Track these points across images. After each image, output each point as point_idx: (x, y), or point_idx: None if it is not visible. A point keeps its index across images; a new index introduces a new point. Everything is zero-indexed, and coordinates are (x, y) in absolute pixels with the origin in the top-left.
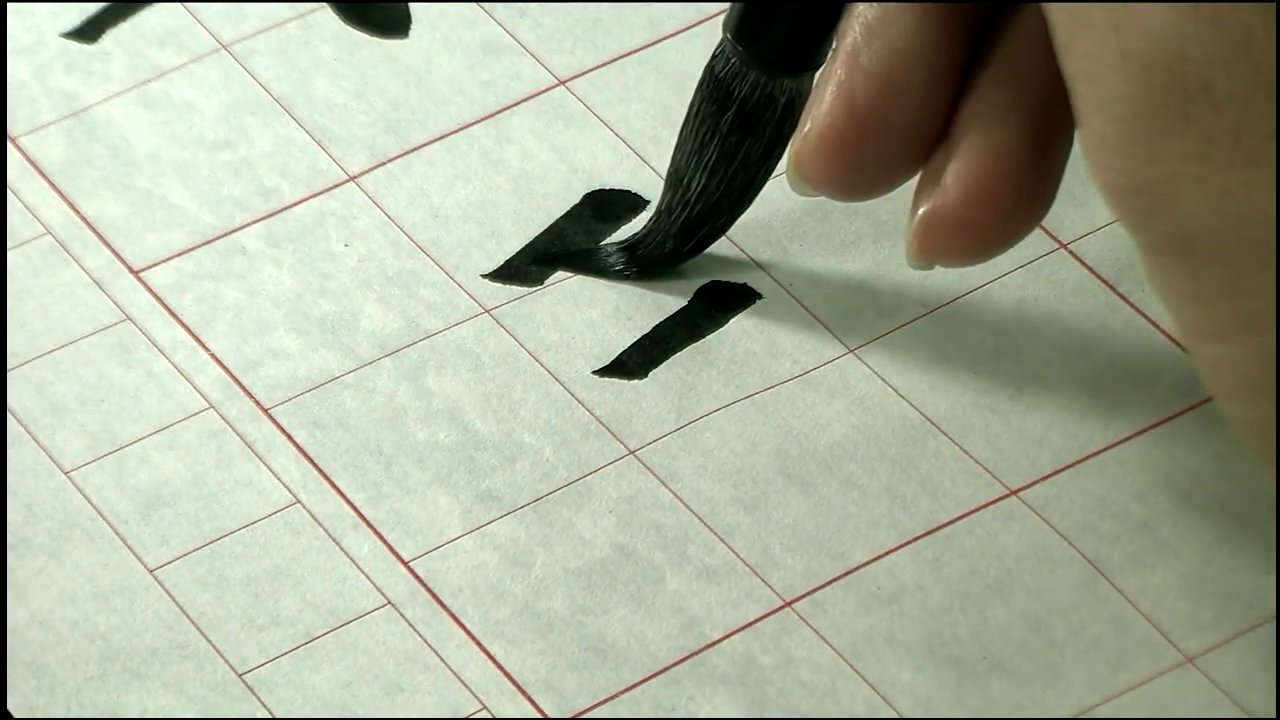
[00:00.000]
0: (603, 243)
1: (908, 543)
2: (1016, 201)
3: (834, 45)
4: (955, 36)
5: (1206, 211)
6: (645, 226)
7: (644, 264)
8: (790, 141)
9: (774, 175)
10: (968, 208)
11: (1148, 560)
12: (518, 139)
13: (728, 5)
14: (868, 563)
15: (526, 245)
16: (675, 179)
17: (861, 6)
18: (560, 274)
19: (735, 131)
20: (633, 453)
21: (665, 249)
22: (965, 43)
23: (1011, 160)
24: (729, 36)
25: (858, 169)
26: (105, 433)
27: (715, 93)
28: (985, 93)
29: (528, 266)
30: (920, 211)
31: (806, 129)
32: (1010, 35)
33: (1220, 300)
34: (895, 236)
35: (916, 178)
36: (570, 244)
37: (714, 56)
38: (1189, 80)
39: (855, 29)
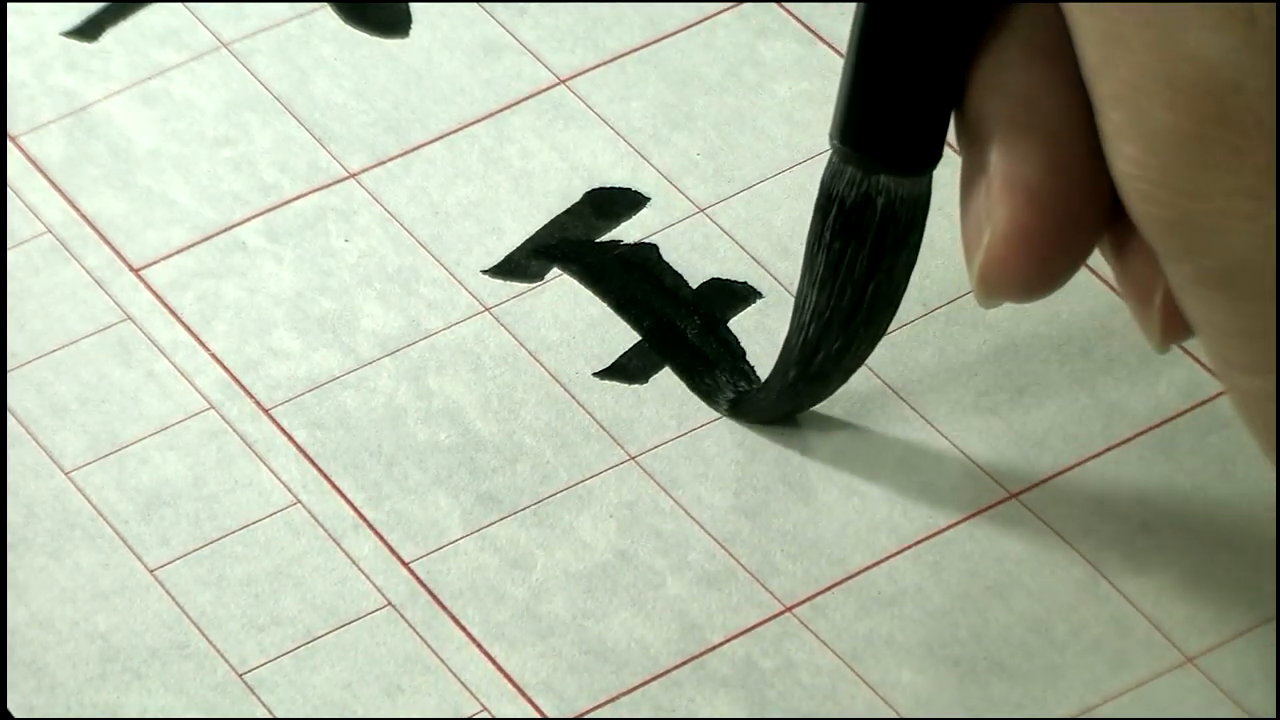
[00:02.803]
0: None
1: (908, 547)
2: None
3: (973, 159)
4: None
5: (1254, 248)
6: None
7: (751, 409)
8: (970, 261)
9: (884, 309)
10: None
11: (1148, 561)
12: (518, 138)
13: (728, 5)
14: (868, 567)
15: (526, 240)
16: (795, 305)
17: (995, 107)
18: (559, 270)
19: (837, 237)
20: (634, 458)
21: (788, 378)
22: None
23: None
24: (831, 136)
25: (1053, 260)
26: (105, 433)
27: (820, 200)
28: None
29: (528, 262)
30: (1150, 304)
31: (988, 238)
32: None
33: (1262, 336)
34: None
35: None
36: (570, 239)
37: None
38: (1242, 112)
39: (1001, 128)
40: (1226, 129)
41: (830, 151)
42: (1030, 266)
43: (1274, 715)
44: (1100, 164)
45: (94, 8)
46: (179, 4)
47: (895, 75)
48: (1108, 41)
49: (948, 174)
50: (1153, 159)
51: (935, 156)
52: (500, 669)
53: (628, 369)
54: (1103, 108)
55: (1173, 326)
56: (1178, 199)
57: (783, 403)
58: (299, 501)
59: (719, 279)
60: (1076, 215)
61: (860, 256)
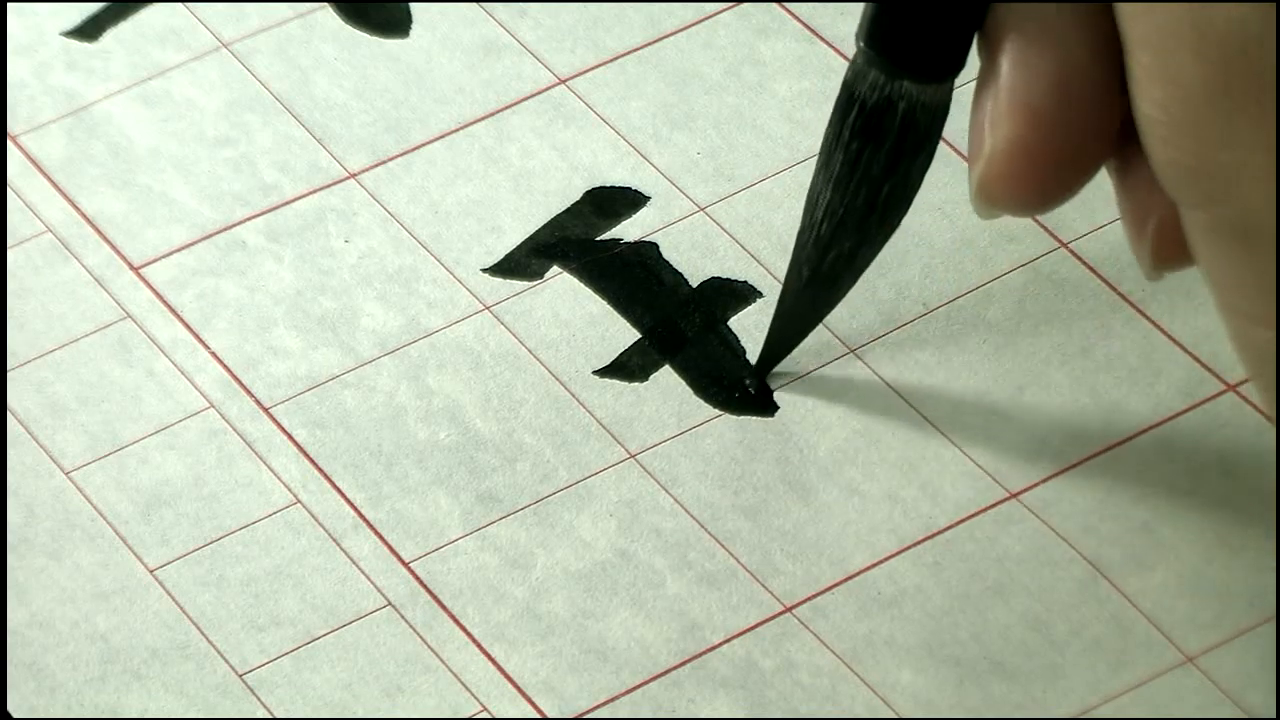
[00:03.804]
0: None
1: (908, 547)
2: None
3: (987, 70)
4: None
5: (1270, 201)
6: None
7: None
8: (971, 168)
9: (893, 213)
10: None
11: (1148, 561)
12: (518, 137)
13: (729, 4)
14: (868, 568)
15: (527, 239)
16: (808, 202)
17: (1016, 21)
18: (559, 268)
19: (856, 137)
20: (633, 456)
21: (802, 279)
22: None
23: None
24: (857, 37)
25: (1051, 179)
26: (105, 433)
27: (840, 98)
28: None
29: (528, 261)
30: (1146, 227)
31: (989, 150)
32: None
33: (1271, 290)
34: (896, 234)
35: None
36: (570, 238)
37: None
38: (1268, 67)
39: (1017, 43)
40: (1252, 82)
41: (855, 52)
42: (1028, 182)
43: (1274, 715)
44: (1109, 93)
45: (94, 8)
46: (179, 4)
47: None
48: None
49: (947, 174)
50: (1177, 105)
51: (958, 65)
52: (500, 669)
53: (628, 367)
54: (1132, 49)
55: (1165, 254)
56: (1199, 147)
57: (796, 312)
58: (299, 501)
59: (719, 278)
60: (1078, 138)
61: (878, 157)
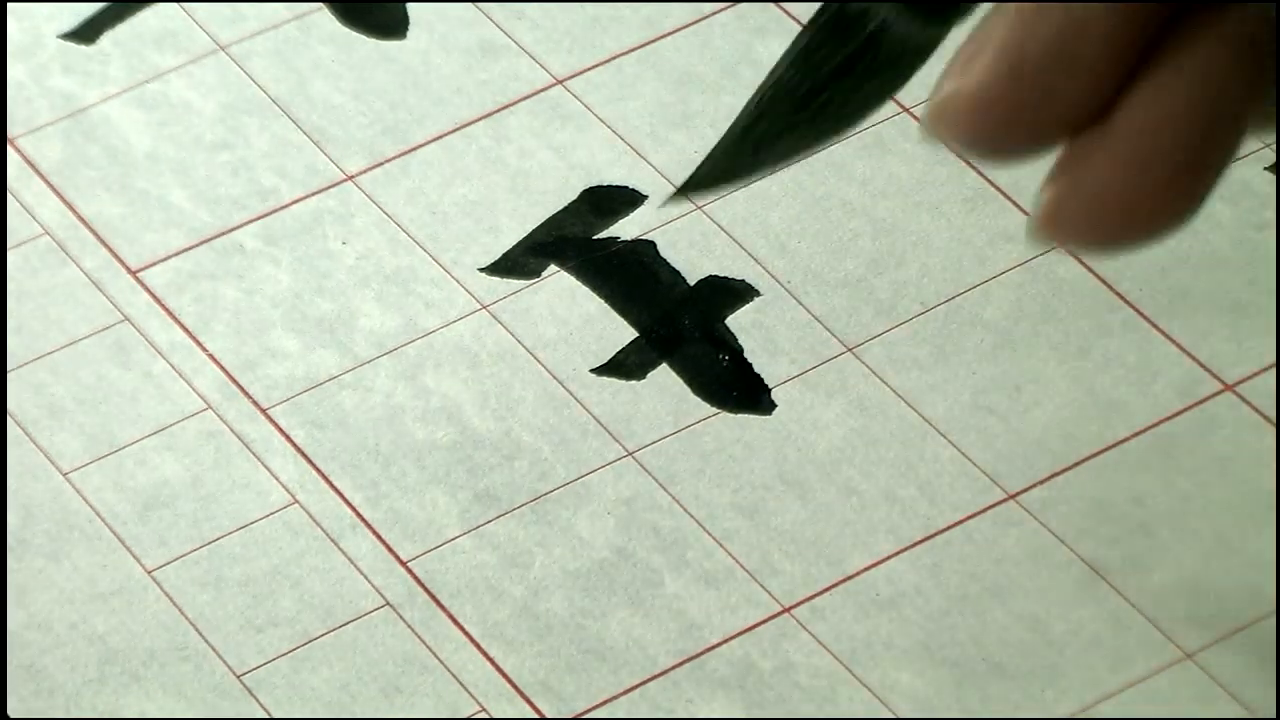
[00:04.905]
0: None
1: (906, 548)
2: (1161, 198)
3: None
4: (1140, 15)
5: None
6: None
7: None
8: (935, 91)
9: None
10: (1111, 193)
11: (1147, 561)
12: (515, 138)
13: (725, 5)
14: (866, 569)
15: (524, 238)
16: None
17: None
18: (557, 267)
19: (822, 30)
20: (631, 454)
21: (735, 130)
22: (1148, 26)
23: (1168, 155)
24: None
25: (1007, 133)
26: (104, 434)
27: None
28: (1159, 79)
29: (526, 259)
30: (1055, 190)
31: (959, 83)
32: (1195, 27)
33: None
34: (894, 234)
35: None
36: (568, 236)
37: None
38: None
39: None
40: None
41: None
42: (984, 126)
43: (1274, 713)
44: (1109, 66)
45: (91, 10)
46: (176, 6)
47: None
48: None
49: (943, 174)
50: None
51: (953, 7)
52: (498, 669)
53: (625, 365)
54: None
55: (1050, 223)
56: None
57: (730, 156)
58: (297, 501)
59: (716, 276)
60: (1054, 103)
61: (831, 59)
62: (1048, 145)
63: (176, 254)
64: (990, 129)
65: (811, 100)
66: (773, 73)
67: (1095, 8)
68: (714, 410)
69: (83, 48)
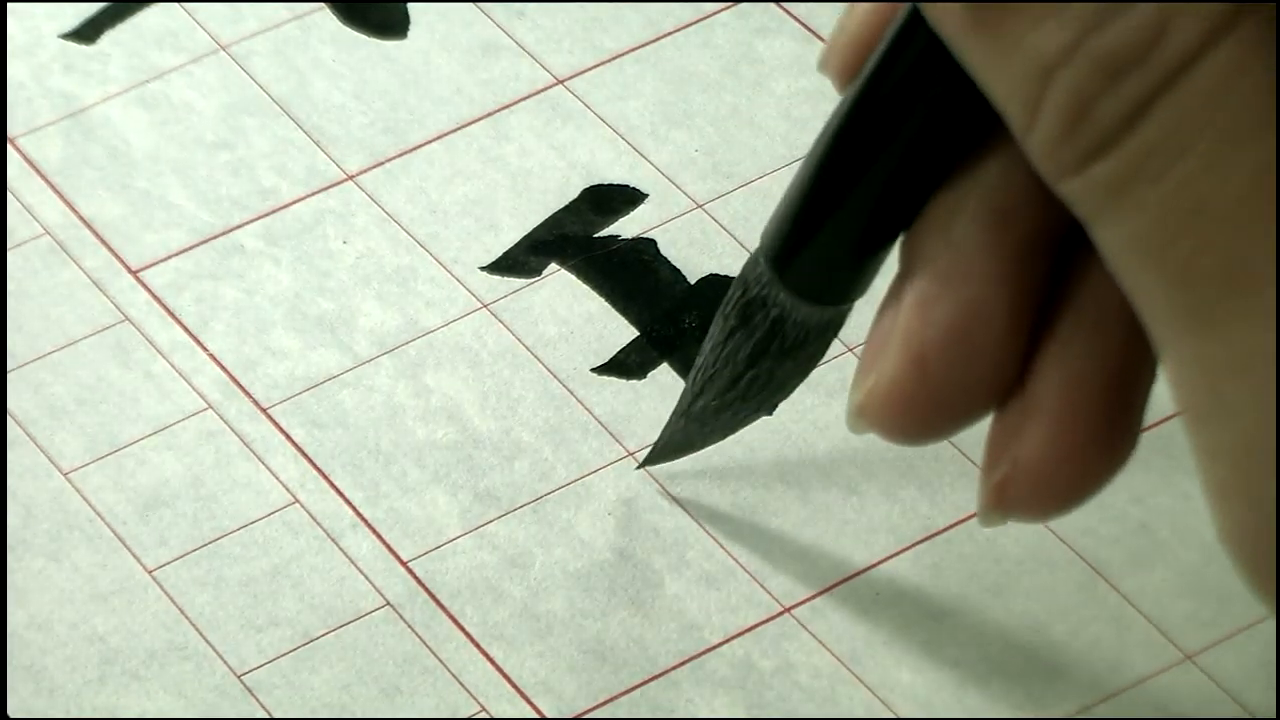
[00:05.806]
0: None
1: (907, 548)
2: (1100, 456)
3: (894, 289)
4: (1033, 283)
5: None
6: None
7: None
8: (853, 387)
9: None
10: (1050, 466)
11: (1147, 561)
12: (516, 137)
13: (727, 4)
14: (867, 568)
15: (524, 237)
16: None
17: (932, 251)
18: (557, 265)
19: (733, 315)
20: (632, 454)
21: (680, 406)
22: (1042, 289)
23: (1095, 413)
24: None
25: (928, 424)
26: (104, 434)
27: (745, 265)
28: (1064, 336)
29: (526, 258)
30: (997, 472)
31: (871, 383)
32: (1088, 275)
33: None
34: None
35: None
36: (568, 235)
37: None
38: None
39: (925, 276)
40: None
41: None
42: (901, 423)
43: (1274, 713)
44: (1013, 341)
45: (92, 10)
46: (177, 6)
47: (824, 208)
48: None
49: None
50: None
51: (843, 297)
52: (499, 669)
53: (626, 365)
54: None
55: (1000, 504)
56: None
57: (676, 430)
58: (297, 501)
59: (717, 275)
60: (964, 392)
61: (745, 346)
62: (975, 420)
63: (177, 254)
64: (911, 422)
65: (737, 382)
66: (700, 352)
67: (985, 288)
68: None
69: (83, 47)
